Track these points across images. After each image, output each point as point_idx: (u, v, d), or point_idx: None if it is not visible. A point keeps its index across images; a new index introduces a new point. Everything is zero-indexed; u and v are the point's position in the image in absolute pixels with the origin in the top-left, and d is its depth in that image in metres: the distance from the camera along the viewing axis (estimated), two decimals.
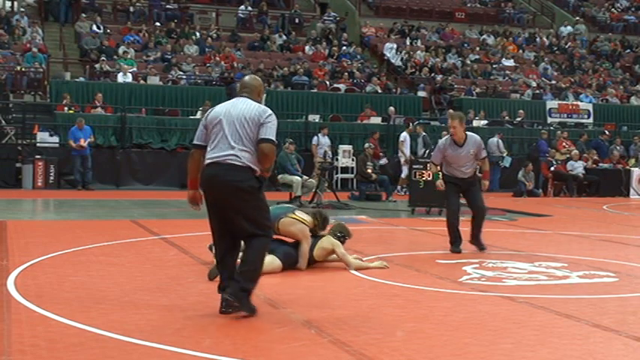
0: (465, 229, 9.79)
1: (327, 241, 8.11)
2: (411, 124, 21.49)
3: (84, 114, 20.25)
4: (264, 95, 25.55)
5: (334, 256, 8.31)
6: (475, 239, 9.70)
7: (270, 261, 7.68)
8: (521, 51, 31.87)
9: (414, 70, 28.25)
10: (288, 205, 10.82)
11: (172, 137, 20.58)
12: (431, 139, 22.18)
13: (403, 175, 19.83)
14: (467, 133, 9.79)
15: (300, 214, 8.16)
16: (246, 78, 6.30)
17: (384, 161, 21.22)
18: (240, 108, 5.83)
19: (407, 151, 20.13)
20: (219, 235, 5.90)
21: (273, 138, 5.75)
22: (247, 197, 5.72)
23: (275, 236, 8.13)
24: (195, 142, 6.02)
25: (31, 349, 4.74)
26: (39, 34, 25.26)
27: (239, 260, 5.97)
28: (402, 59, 28.52)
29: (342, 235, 8.32)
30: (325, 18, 31.52)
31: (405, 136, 20.43)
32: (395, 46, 29.26)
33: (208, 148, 5.84)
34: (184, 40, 26.94)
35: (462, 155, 9.61)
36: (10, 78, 22.52)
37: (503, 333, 5.52)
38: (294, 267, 7.96)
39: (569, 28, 34.36)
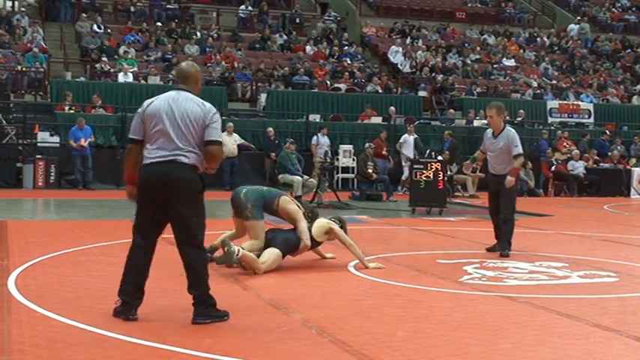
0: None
1: (322, 221, 8.29)
2: (410, 125, 21.46)
3: (84, 114, 20.21)
4: (265, 94, 25.36)
5: (330, 254, 8.45)
6: (497, 244, 9.62)
7: (270, 253, 7.74)
8: (521, 51, 31.81)
9: (414, 69, 28.22)
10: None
11: None
12: (431, 140, 22.15)
13: (404, 177, 19.82)
14: (507, 127, 9.62)
15: (292, 199, 8.47)
16: (183, 65, 6.01)
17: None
18: (182, 106, 5.62)
19: (406, 152, 20.11)
20: (144, 229, 5.75)
21: (220, 139, 5.68)
22: (191, 199, 5.58)
23: (274, 226, 8.28)
24: (132, 136, 5.73)
25: (32, 349, 4.75)
26: (39, 33, 25.23)
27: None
28: (410, 64, 28.33)
29: (340, 223, 8.43)
30: (326, 18, 31.49)
31: (405, 137, 20.42)
32: (400, 49, 29.10)
33: (149, 146, 5.61)
34: (185, 39, 26.92)
35: (494, 147, 9.55)
36: (10, 78, 22.50)
37: (503, 333, 5.52)
38: (295, 252, 8.06)
39: (577, 27, 34.28)
